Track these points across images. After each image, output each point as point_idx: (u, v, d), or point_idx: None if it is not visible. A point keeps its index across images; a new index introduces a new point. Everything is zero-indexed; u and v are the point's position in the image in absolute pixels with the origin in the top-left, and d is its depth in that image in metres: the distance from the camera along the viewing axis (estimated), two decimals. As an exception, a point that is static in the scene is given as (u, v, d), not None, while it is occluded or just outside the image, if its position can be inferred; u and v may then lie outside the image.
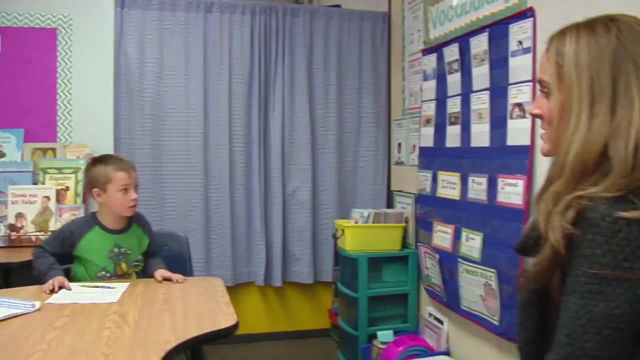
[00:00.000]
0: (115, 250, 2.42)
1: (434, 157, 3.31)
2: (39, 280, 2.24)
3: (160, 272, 2.41)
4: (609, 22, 1.04)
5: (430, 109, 3.36)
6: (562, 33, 1.09)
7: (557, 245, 0.95)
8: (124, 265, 2.44)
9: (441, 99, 3.22)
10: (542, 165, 2.35)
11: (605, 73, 1.00)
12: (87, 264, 2.40)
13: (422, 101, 3.47)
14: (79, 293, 2.13)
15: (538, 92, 1.15)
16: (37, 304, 1.91)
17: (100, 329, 1.68)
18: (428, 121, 3.40)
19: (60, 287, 2.16)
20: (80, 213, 3.30)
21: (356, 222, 3.60)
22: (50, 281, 2.17)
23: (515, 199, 2.51)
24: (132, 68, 3.64)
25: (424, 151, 3.46)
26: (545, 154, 1.13)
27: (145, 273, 2.51)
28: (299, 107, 3.90)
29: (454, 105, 3.08)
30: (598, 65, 1.01)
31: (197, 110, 3.72)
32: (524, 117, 2.46)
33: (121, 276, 2.43)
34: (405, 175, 3.83)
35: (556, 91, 1.07)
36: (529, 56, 2.41)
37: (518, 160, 2.50)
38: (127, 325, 1.72)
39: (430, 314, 3.40)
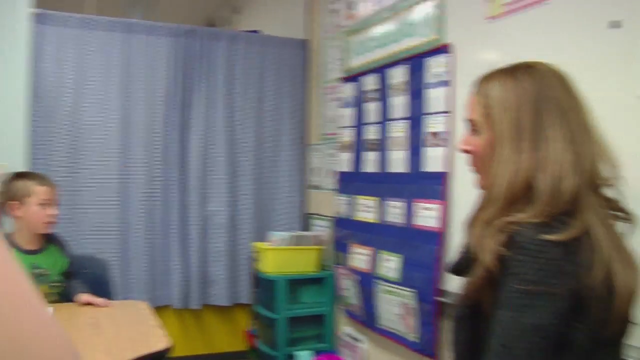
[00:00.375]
0: (34, 271, 2.34)
1: (352, 182, 3.44)
2: None
3: (83, 297, 2.38)
4: (528, 69, 1.19)
5: (348, 135, 3.50)
6: (488, 77, 1.23)
7: (490, 265, 1.07)
8: (43, 287, 2.37)
9: (359, 125, 3.36)
10: (458, 191, 2.53)
11: (527, 114, 1.14)
12: None
13: (340, 127, 3.61)
14: None
15: (468, 130, 1.29)
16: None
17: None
18: (346, 147, 3.53)
19: None
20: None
21: (275, 245, 3.66)
22: None
23: (431, 222, 2.67)
24: (48, 86, 3.54)
25: (342, 176, 3.58)
26: (481, 187, 1.26)
27: (66, 296, 2.46)
28: (218, 130, 3.93)
29: (372, 132, 3.22)
30: (521, 107, 1.15)
31: (115, 131, 3.67)
32: (439, 145, 2.63)
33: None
34: (322, 199, 3.94)
35: (484, 130, 1.21)
36: (445, 89, 2.59)
37: (433, 185, 2.66)
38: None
39: (348, 334, 3.51)
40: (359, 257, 3.27)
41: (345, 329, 3.54)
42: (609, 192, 1.17)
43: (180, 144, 3.85)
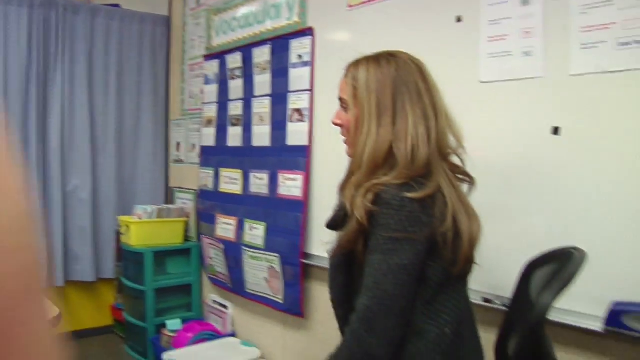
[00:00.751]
0: None
1: (216, 155, 3.59)
2: None
3: None
4: (390, 57, 1.43)
5: (211, 111, 3.63)
6: (356, 63, 1.46)
7: (362, 219, 1.30)
8: None
9: (223, 102, 3.51)
10: (318, 163, 2.78)
11: (387, 95, 1.39)
12: None
13: (204, 103, 3.72)
14: None
15: (339, 107, 1.51)
16: None
17: None
18: (209, 122, 3.66)
19: None
20: None
21: (140, 218, 3.72)
22: None
23: (295, 192, 2.90)
24: None
25: (205, 150, 3.71)
26: (350, 156, 1.49)
27: None
28: (79, 106, 3.89)
29: (235, 108, 3.38)
30: (382, 89, 1.39)
31: (-35, 105, 3.52)
32: (302, 121, 2.86)
33: None
34: (185, 173, 4.05)
35: (352, 107, 1.44)
36: (308, 69, 2.82)
37: (297, 158, 2.89)
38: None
39: (215, 301, 3.68)
40: (225, 227, 3.44)
41: (212, 296, 3.71)
42: (455, 159, 1.46)
43: (39, 120, 3.75)
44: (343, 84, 1.49)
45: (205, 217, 3.67)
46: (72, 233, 3.91)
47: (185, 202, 3.95)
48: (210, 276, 3.68)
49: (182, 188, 4.05)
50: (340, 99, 1.49)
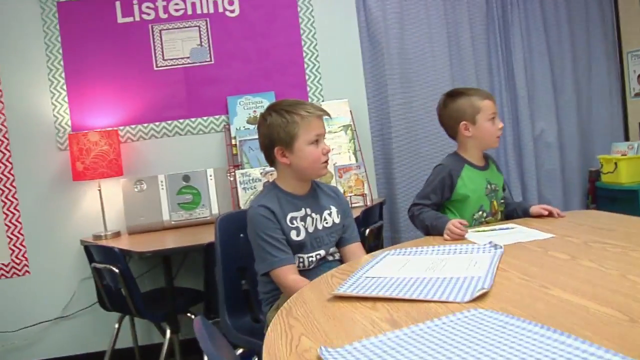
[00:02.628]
0: (489, 186, 2.34)
1: None
2: (431, 233, 2.14)
3: (536, 207, 2.30)
4: None
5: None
6: None
7: None
8: (495, 203, 2.37)
9: None
10: None
11: None
12: (464, 206, 2.32)
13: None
14: (496, 235, 1.96)
15: None
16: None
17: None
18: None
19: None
20: (361, 171, 3.39)
21: (624, 155, 3.62)
22: (449, 224, 2.02)
23: None
24: (376, 19, 3.67)
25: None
26: None
27: (510, 214, 2.42)
28: (537, 53, 3.92)
29: None
30: None
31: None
32: None
33: (494, 215, 2.36)
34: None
35: None
36: None
37: None
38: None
39: None
40: None
41: None
42: None
43: (505, 69, 3.87)
44: None
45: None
46: (542, 176, 3.96)
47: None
48: None
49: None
50: None
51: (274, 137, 1.89)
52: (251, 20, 3.56)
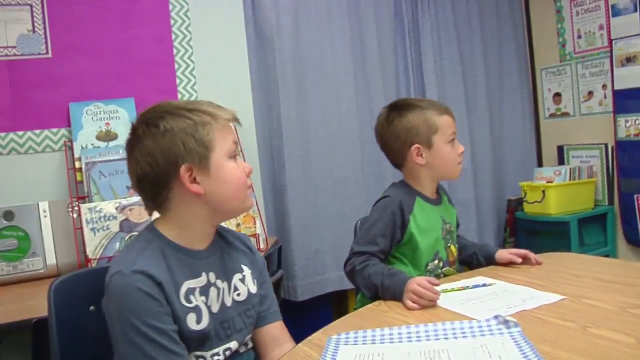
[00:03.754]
0: (444, 227, 1.75)
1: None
2: (381, 297, 1.50)
3: (504, 252, 1.74)
4: None
5: (632, 46, 3.02)
6: None
7: None
8: (453, 249, 1.79)
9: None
10: None
11: None
12: (416, 254, 1.69)
13: (613, 40, 3.11)
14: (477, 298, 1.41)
15: None
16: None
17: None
18: (629, 60, 3.05)
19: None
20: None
21: (549, 182, 3.17)
22: (412, 283, 1.40)
23: None
24: (265, 10, 2.93)
25: (625, 94, 3.10)
26: None
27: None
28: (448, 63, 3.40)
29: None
30: None
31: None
32: None
33: (452, 264, 1.78)
34: (572, 127, 3.44)
35: None
36: None
37: None
38: None
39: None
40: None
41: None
42: None
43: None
44: None
45: (635, 173, 3.08)
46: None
47: (587, 160, 3.35)
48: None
49: (577, 145, 3.41)
50: None
51: (179, 152, 1.13)
52: (106, 3, 2.66)
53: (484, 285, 1.52)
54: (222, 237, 1.28)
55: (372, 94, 3.14)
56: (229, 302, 1.20)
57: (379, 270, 1.53)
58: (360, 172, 3.05)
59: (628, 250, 3.23)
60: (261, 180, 2.94)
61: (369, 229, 1.65)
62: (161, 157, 1.12)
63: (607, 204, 3.26)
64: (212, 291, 1.17)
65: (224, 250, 1.26)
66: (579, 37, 3.36)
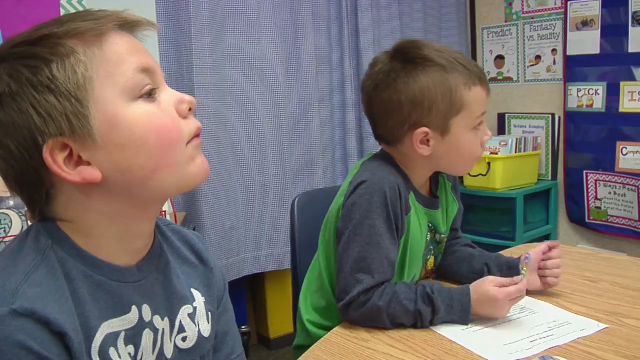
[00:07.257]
0: (429, 235, 1.28)
1: (604, 66, 2.75)
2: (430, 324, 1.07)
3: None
4: None
5: (588, 9, 2.77)
6: None
7: None
8: (432, 260, 1.33)
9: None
10: None
11: None
12: (403, 266, 1.21)
13: (569, 0, 2.85)
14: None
15: None
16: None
17: None
18: (585, 24, 2.80)
19: None
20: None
21: (494, 153, 2.89)
22: (492, 292, 1.04)
23: None
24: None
25: (577, 60, 2.85)
26: None
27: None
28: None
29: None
30: None
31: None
32: None
33: (426, 279, 1.33)
34: (515, 94, 3.17)
35: None
36: None
37: None
38: None
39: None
40: (636, 157, 2.66)
41: (580, 246, 2.93)
42: None
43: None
44: None
45: (584, 147, 2.85)
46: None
47: (531, 130, 3.09)
48: (592, 221, 2.88)
49: (520, 113, 3.13)
50: None
51: (32, 125, 0.62)
52: None
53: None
54: (164, 241, 0.80)
55: (299, 41, 2.65)
56: (169, 352, 0.74)
57: (411, 297, 1.07)
58: (280, 133, 2.58)
59: (569, 229, 3.03)
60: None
61: (366, 247, 1.10)
62: (11, 141, 0.63)
63: (550, 178, 3.03)
64: (146, 336, 0.69)
65: (167, 264, 0.77)
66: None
